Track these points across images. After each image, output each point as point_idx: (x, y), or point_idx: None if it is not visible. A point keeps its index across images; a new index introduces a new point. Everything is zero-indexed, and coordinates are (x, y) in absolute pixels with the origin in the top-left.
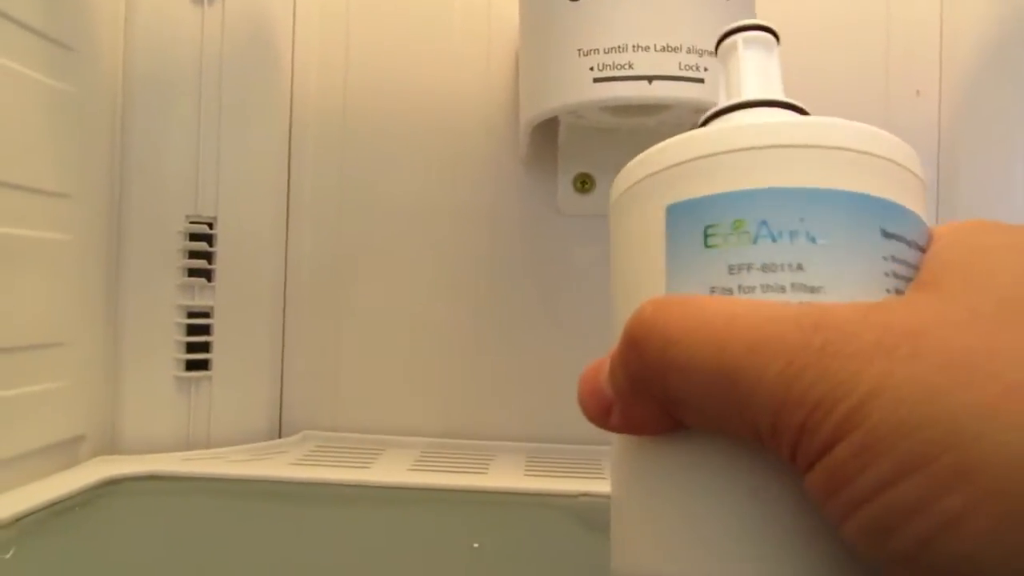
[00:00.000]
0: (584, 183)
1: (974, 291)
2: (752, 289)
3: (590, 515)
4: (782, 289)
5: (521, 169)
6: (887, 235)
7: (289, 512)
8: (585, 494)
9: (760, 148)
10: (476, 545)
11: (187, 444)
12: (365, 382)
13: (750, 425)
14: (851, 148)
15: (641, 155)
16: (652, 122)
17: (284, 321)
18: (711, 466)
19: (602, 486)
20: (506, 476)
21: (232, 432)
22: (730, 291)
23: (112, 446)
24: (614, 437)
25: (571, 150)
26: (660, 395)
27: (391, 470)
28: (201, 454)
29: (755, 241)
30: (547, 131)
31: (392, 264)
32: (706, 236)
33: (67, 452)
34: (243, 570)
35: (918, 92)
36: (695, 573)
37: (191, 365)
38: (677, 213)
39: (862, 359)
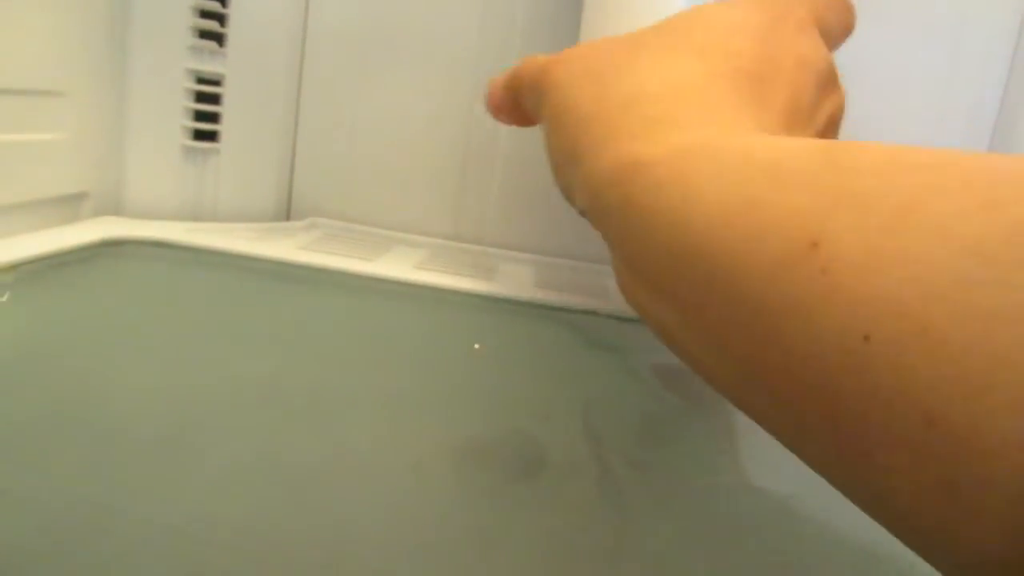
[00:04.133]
0: None
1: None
2: None
3: (595, 332)
4: None
5: None
6: None
7: (291, 294)
8: (593, 312)
9: None
10: (477, 346)
11: (192, 215)
12: (378, 173)
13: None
14: None
15: None
16: None
17: (298, 100)
18: None
19: (609, 305)
20: (514, 285)
21: (239, 209)
22: None
23: (116, 209)
24: None
25: None
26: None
27: (397, 266)
28: (206, 226)
29: None
30: None
31: (418, 51)
32: None
33: (69, 208)
34: (237, 344)
35: None
36: None
37: (199, 135)
38: None
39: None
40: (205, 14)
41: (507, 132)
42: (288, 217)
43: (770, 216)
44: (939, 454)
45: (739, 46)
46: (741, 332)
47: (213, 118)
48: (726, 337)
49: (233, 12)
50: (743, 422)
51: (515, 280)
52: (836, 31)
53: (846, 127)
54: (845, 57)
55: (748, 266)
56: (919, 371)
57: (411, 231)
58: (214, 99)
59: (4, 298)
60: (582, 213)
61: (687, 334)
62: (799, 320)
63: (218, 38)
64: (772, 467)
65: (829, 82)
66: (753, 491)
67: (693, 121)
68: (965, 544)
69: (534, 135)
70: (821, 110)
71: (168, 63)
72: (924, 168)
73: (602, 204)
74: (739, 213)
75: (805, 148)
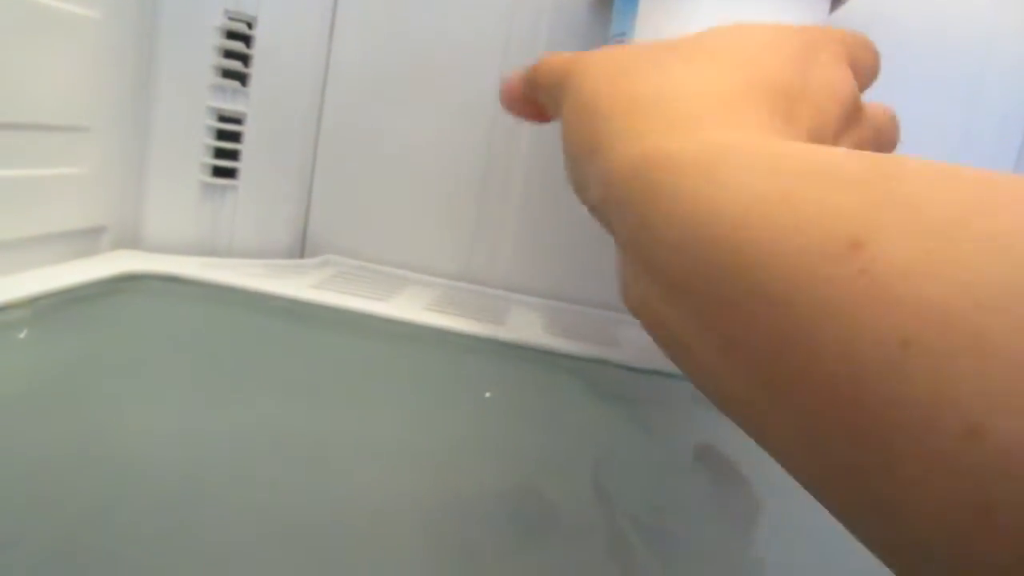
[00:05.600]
0: None
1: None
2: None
3: (604, 382)
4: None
5: (585, 7)
6: None
7: (301, 334)
8: (604, 361)
9: None
10: (488, 395)
11: (208, 250)
12: (392, 213)
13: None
14: None
15: None
16: None
17: (317, 139)
18: None
19: (620, 355)
20: (524, 330)
21: (254, 244)
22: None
23: (133, 242)
24: None
25: None
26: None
27: (409, 307)
28: (222, 262)
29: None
30: None
31: (437, 93)
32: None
33: (87, 241)
34: (249, 383)
35: None
36: None
37: (218, 171)
38: None
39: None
40: (230, 54)
41: (523, 175)
42: (302, 253)
43: (807, 212)
44: (978, 469)
45: (771, 62)
46: (765, 332)
47: (233, 155)
48: (746, 338)
49: (257, 53)
50: (757, 484)
51: (525, 325)
52: (864, 73)
53: None
54: None
55: (778, 262)
56: (965, 381)
57: (424, 271)
58: (235, 137)
59: (22, 335)
60: (591, 208)
61: (700, 338)
62: (831, 321)
63: (241, 78)
64: (787, 529)
65: (854, 115)
66: (767, 558)
67: (721, 123)
68: (981, 566)
69: (551, 181)
70: (843, 141)
71: (191, 101)
72: (973, 182)
73: (619, 195)
74: (773, 205)
75: (846, 153)
